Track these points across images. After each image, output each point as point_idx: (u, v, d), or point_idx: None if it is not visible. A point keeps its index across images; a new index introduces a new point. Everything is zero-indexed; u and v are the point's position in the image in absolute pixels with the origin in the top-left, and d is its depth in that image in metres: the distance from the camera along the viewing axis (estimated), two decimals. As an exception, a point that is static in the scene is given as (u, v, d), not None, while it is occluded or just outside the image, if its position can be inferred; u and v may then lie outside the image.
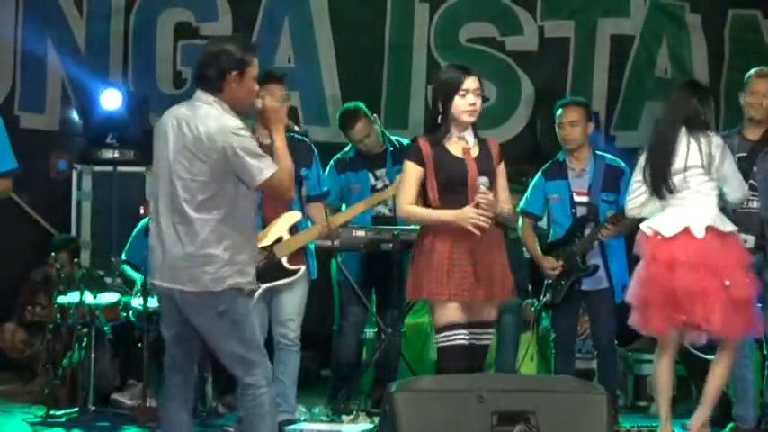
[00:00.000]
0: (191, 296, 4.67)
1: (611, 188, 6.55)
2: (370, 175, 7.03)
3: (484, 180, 5.22)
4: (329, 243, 6.59)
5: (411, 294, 5.45)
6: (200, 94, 4.74)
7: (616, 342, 6.77)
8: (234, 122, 4.66)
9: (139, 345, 6.91)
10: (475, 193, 5.21)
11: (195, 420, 6.51)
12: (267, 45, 8.61)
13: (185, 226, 4.64)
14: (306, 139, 6.40)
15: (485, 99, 5.53)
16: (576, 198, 6.56)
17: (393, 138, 7.18)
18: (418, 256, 5.35)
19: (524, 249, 7.03)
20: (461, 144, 5.34)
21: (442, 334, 5.28)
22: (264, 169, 4.65)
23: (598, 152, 6.72)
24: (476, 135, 5.39)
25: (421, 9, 8.82)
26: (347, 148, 7.20)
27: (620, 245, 6.62)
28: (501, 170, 5.44)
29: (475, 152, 5.35)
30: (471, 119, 5.33)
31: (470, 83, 5.30)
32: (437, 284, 5.24)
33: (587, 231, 6.48)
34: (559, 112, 6.63)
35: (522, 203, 6.83)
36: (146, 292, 6.75)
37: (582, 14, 8.93)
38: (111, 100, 7.94)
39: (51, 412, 6.70)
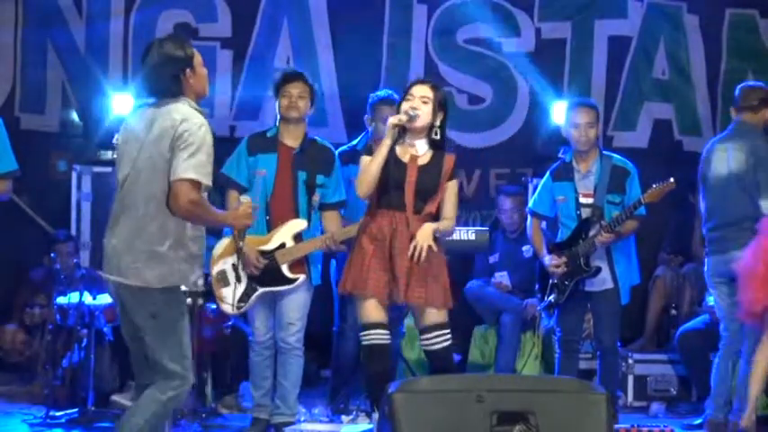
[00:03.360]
0: (129, 291, 4.61)
1: (616, 189, 6.53)
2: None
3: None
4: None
5: (339, 287, 5.66)
6: (162, 100, 4.67)
7: (619, 343, 6.79)
8: (199, 119, 4.59)
9: (139, 345, 6.90)
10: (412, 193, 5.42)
11: (195, 421, 6.58)
12: (266, 45, 8.62)
13: (135, 221, 4.58)
14: (330, 147, 6.43)
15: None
16: (582, 200, 6.55)
17: None
18: (350, 253, 5.62)
19: (524, 250, 7.02)
20: (411, 150, 5.49)
21: (363, 332, 5.48)
22: (189, 170, 4.51)
23: (605, 152, 6.71)
24: (436, 146, 5.51)
25: (419, 10, 8.82)
26: (356, 141, 7.19)
27: (628, 245, 6.64)
28: (451, 185, 5.52)
29: (423, 161, 5.49)
30: (411, 123, 5.43)
31: (416, 90, 5.50)
32: (359, 280, 5.44)
33: (592, 233, 6.47)
34: (573, 112, 6.62)
35: (530, 204, 6.86)
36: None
37: (579, 16, 8.91)
38: (123, 105, 7.78)
39: (51, 413, 6.69)
